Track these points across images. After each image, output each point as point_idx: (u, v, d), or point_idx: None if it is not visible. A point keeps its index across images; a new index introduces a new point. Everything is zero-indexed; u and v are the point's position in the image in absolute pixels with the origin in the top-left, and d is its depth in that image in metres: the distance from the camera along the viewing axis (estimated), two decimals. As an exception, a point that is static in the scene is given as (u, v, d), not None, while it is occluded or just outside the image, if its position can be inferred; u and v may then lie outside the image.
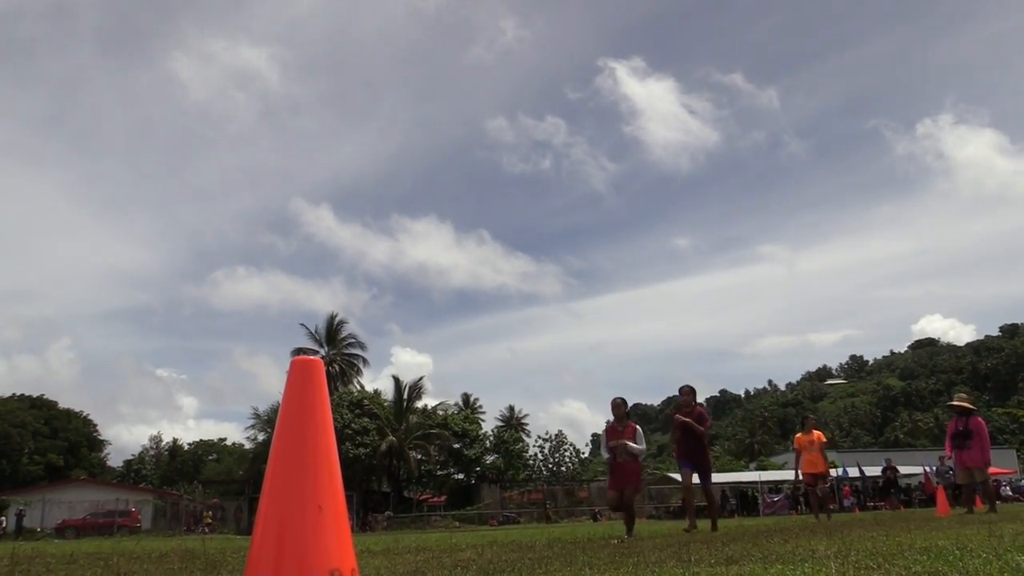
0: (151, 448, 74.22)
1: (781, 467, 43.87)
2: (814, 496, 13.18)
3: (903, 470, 38.92)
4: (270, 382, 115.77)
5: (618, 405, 8.78)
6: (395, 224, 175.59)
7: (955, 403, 11.50)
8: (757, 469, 48.46)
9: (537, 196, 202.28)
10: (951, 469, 20.93)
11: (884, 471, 28.63)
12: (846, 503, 32.74)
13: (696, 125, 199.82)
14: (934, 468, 27.00)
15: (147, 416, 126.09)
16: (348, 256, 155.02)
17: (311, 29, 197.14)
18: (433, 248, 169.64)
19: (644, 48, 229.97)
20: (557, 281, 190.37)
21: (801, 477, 13.00)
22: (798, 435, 13.11)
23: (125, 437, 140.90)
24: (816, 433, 12.80)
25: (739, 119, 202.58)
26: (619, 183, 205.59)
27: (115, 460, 69.82)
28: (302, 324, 48.46)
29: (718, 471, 53.78)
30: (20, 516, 36.94)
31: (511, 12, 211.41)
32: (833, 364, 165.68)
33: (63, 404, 63.46)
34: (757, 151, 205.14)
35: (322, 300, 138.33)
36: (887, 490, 28.13)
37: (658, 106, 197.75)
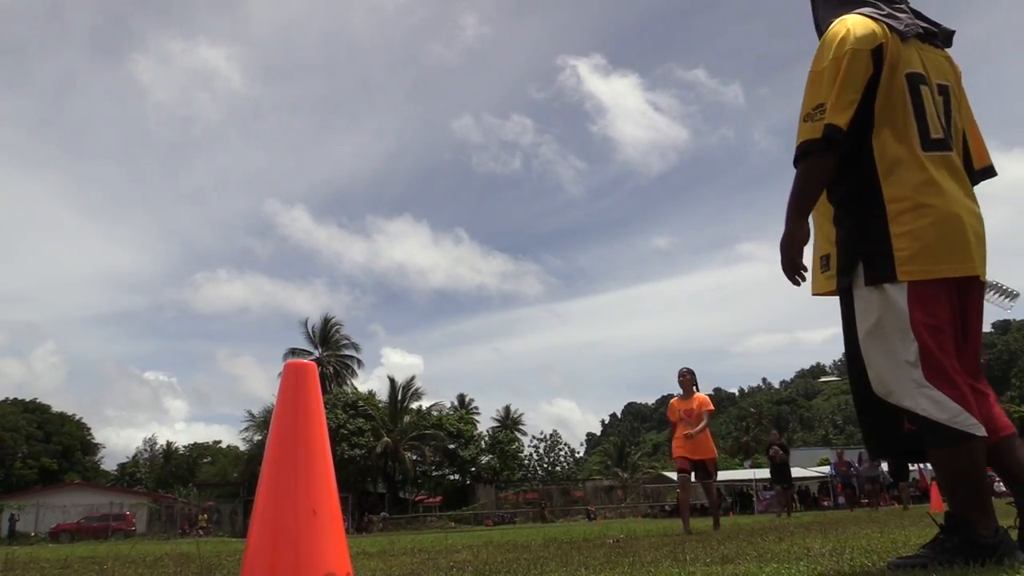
0: (145, 451, 74.04)
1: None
2: (685, 491, 8.43)
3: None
4: (258, 384, 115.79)
5: None
6: (370, 225, 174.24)
7: None
8: (752, 467, 48.61)
9: (510, 196, 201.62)
10: (865, 460, 18.79)
11: (768, 450, 18.02)
12: (840, 501, 32.99)
13: (664, 122, 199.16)
14: (859, 465, 19.13)
15: (135, 420, 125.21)
16: (326, 257, 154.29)
17: (278, 33, 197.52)
18: (411, 248, 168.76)
19: (603, 45, 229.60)
20: (538, 280, 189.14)
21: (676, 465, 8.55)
22: (673, 401, 8.63)
23: (113, 440, 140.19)
24: (699, 397, 8.42)
25: (706, 115, 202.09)
26: (591, 182, 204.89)
27: (106, 464, 69.65)
28: (302, 322, 48.60)
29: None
30: (13, 521, 36.80)
31: (470, 9, 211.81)
32: (827, 361, 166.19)
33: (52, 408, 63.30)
34: (728, 148, 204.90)
35: (303, 302, 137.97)
36: (777, 480, 17.87)
37: (623, 103, 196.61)
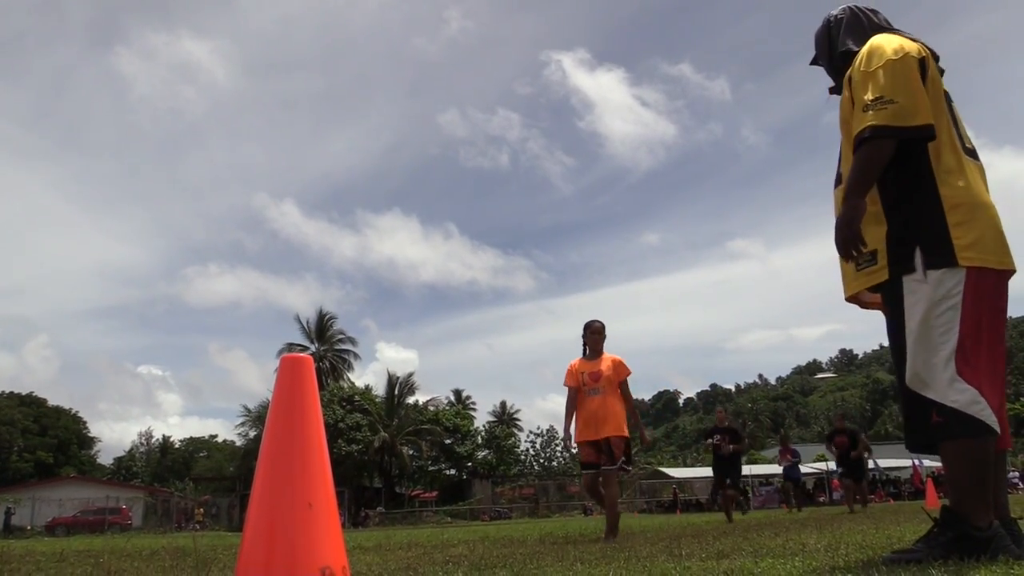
0: (141, 445, 74.03)
1: (771, 461, 44.09)
2: (594, 490, 6.25)
3: (892, 463, 39.12)
4: (251, 379, 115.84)
5: None
6: (360, 219, 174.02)
7: None
8: (748, 463, 48.63)
9: (499, 191, 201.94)
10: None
11: (712, 433, 11.95)
12: (835, 496, 33.15)
13: (651, 117, 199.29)
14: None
15: (129, 414, 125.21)
16: (316, 252, 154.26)
17: (267, 28, 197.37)
18: (401, 242, 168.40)
19: (587, 39, 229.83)
20: (529, 276, 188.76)
21: (575, 448, 6.29)
22: (573, 363, 6.38)
23: (107, 435, 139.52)
24: (608, 358, 6.27)
25: (692, 110, 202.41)
26: (579, 177, 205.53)
27: (101, 458, 69.59)
28: (297, 317, 48.52)
29: (709, 466, 54.21)
30: (9, 514, 36.74)
31: (454, 3, 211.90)
32: (823, 358, 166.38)
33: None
34: (716, 143, 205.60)
35: (294, 296, 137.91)
36: (721, 477, 11.68)
37: (610, 98, 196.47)
